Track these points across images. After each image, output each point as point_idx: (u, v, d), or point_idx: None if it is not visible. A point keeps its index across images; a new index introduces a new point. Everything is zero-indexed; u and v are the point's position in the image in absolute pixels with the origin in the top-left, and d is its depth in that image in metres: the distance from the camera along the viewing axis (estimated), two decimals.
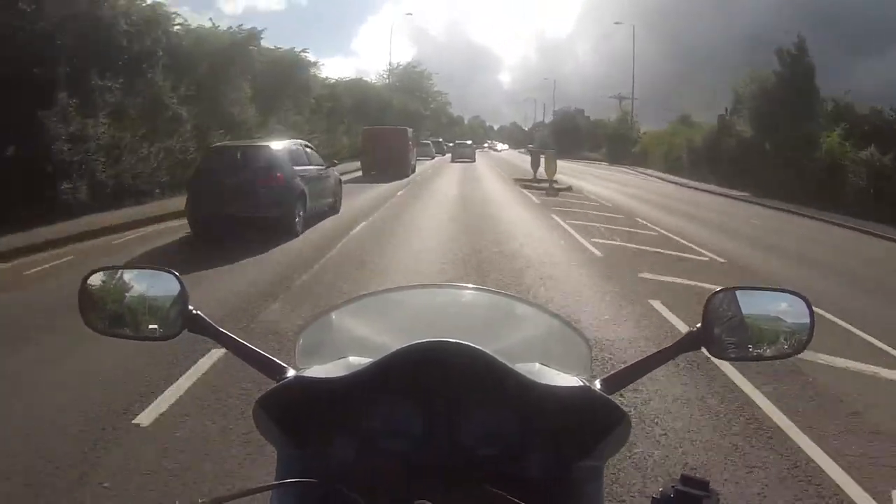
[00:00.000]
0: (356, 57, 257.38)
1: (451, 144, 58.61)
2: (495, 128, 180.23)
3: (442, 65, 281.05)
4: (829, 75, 36.98)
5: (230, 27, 24.25)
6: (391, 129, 31.64)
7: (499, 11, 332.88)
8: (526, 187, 24.35)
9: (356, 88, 46.16)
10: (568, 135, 77.07)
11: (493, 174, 34.22)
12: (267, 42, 25.50)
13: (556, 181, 24.19)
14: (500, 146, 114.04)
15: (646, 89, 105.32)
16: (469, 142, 57.01)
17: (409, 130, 31.58)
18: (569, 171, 34.11)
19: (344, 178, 17.33)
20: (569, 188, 24.42)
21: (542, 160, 26.31)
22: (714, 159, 33.18)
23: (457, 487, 0.95)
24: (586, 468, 1.04)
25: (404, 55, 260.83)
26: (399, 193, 20.60)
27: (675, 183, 33.72)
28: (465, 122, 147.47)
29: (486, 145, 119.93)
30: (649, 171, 43.75)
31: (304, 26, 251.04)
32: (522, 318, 1.43)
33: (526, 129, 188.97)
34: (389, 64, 76.09)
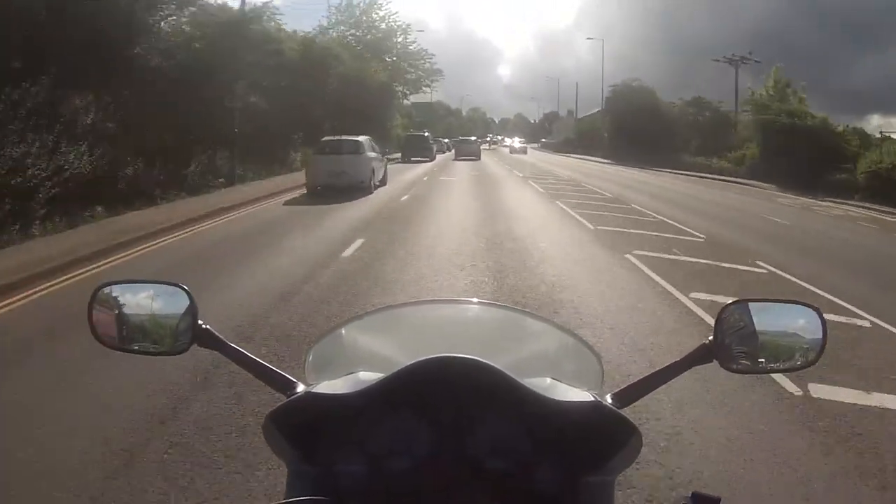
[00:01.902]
0: None
1: (446, 141, 59.55)
2: (496, 120, 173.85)
3: (440, 57, 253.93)
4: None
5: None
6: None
7: (498, 2, 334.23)
8: None
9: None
10: (639, 124, 49.16)
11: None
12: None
13: None
14: (513, 142, 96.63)
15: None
16: (473, 138, 56.85)
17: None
18: None
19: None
20: None
21: None
22: None
23: (467, 503, 0.97)
24: (596, 483, 1.03)
25: None
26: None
27: None
28: (464, 113, 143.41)
29: (488, 140, 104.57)
30: None
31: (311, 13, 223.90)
32: (533, 333, 1.48)
33: (533, 120, 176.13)
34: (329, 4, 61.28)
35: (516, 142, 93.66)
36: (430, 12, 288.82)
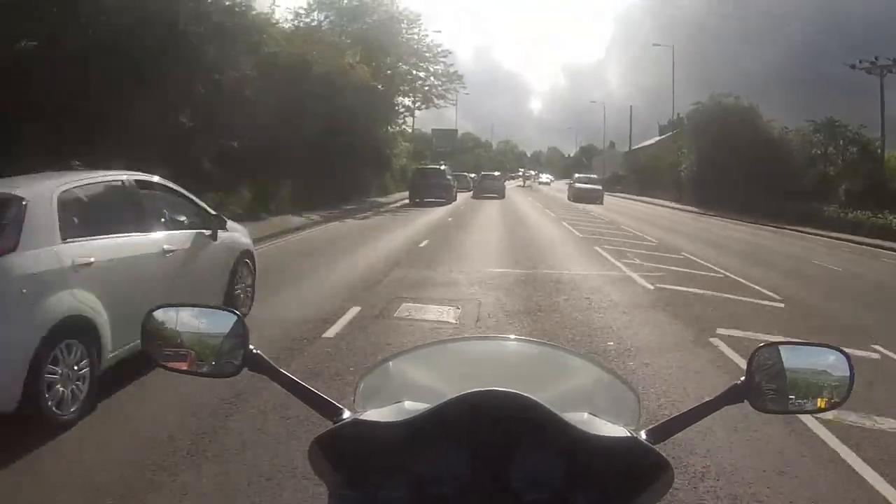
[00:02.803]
0: None
1: (472, 176, 51.87)
2: (528, 154, 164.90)
3: (472, 90, 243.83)
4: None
5: None
6: None
7: (527, 37, 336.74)
8: None
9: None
10: (739, 156, 35.96)
11: None
12: None
13: None
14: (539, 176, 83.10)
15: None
16: (496, 174, 50.67)
17: None
18: None
19: None
20: None
21: None
22: None
23: None
24: None
25: None
26: None
27: None
28: (494, 146, 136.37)
29: (521, 176, 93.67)
30: None
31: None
32: (573, 369, 1.55)
33: (568, 154, 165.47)
34: None
35: (544, 178, 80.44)
36: (458, 44, 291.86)
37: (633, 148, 70.33)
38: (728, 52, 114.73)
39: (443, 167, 37.12)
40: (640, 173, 58.59)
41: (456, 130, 73.36)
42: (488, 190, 40.78)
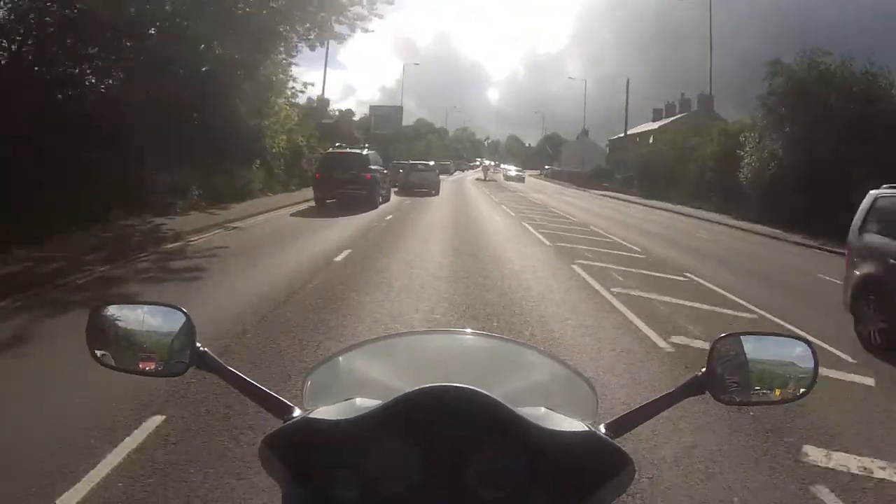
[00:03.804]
0: (343, 69, 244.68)
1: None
2: (486, 143, 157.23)
3: (428, 77, 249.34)
4: None
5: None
6: None
7: (487, 26, 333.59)
8: None
9: None
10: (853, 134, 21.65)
11: None
12: None
13: None
14: (507, 170, 69.01)
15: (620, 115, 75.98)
16: (431, 163, 38.24)
17: None
18: None
19: None
20: None
21: None
22: None
23: None
24: None
25: (391, 69, 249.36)
26: None
27: None
28: (450, 133, 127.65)
29: (477, 166, 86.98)
30: None
31: None
32: (528, 364, 1.49)
33: (529, 144, 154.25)
34: None
35: (512, 170, 66.16)
36: (418, 31, 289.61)
37: (632, 132, 55.71)
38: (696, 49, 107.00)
39: (366, 152, 24.54)
40: (646, 167, 43.91)
41: (400, 108, 57.80)
42: (417, 184, 32.92)
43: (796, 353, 1.31)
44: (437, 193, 32.24)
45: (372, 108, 53.86)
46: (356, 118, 49.89)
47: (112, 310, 1.31)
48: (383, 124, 52.47)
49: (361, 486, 1.01)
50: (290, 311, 7.24)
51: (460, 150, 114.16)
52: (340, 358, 1.45)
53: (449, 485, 1.01)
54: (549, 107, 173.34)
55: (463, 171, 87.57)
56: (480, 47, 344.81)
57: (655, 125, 57.15)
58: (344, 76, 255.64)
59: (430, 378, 1.05)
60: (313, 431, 1.06)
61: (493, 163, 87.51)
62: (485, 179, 57.11)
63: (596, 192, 47.72)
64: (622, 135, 57.95)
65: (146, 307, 1.33)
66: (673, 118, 57.53)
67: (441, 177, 36.70)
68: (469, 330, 1.81)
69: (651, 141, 51.00)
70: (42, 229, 10.80)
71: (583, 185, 55.44)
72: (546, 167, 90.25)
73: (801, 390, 1.29)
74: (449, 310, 7.74)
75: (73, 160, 12.76)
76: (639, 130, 59.57)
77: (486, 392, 1.02)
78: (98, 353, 1.29)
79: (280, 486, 1.08)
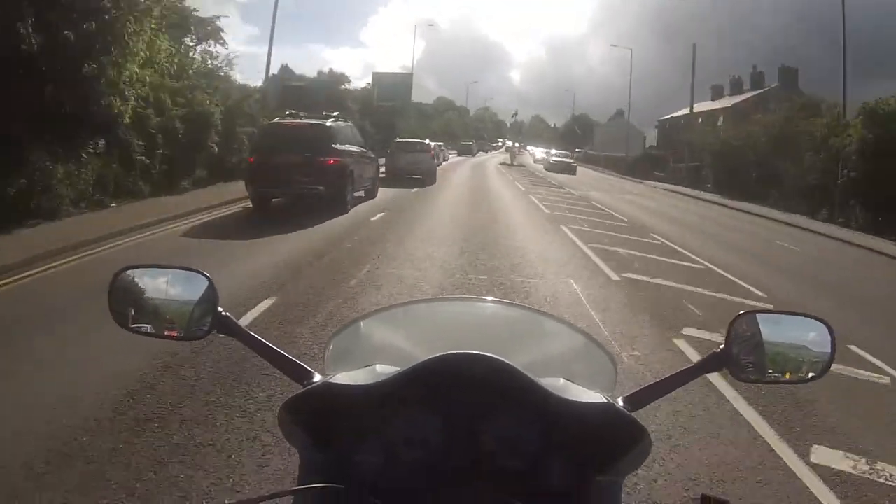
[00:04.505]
0: (364, 48, 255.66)
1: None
2: (508, 123, 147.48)
3: (449, 59, 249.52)
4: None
5: None
6: None
7: (510, 7, 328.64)
8: None
9: None
10: None
11: None
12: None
13: None
14: (547, 154, 59.28)
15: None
16: (427, 141, 29.62)
17: None
18: None
19: None
20: None
21: None
22: None
23: (480, 498, 1.03)
24: (605, 483, 1.09)
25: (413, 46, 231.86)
26: None
27: None
28: (471, 113, 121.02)
29: (499, 147, 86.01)
30: None
31: (311, 14, 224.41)
32: (549, 334, 1.54)
33: (554, 124, 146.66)
34: None
35: (553, 154, 55.47)
36: (439, 11, 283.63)
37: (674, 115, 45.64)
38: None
39: (332, 123, 15.75)
40: (723, 157, 33.67)
41: (410, 74, 48.07)
42: (406, 169, 25.75)
43: (814, 335, 1.31)
44: (432, 182, 25.66)
45: (375, 74, 44.61)
46: (350, 86, 39.95)
47: (134, 273, 1.34)
48: (389, 94, 42.89)
49: (381, 451, 1.05)
50: None
51: (481, 129, 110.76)
52: (361, 323, 1.49)
53: (467, 452, 1.04)
54: (575, 87, 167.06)
55: (486, 151, 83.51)
56: (502, 29, 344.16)
57: (717, 104, 47.04)
58: (365, 54, 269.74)
59: (450, 346, 1.07)
60: (333, 397, 1.09)
61: (517, 144, 77.38)
62: (511, 164, 47.15)
63: (654, 185, 37.71)
64: (675, 115, 47.71)
65: (169, 271, 1.35)
66: (741, 96, 47.25)
67: (460, 158, 27.19)
68: (490, 298, 1.93)
69: (720, 123, 40.81)
70: None
71: (628, 174, 45.33)
72: (577, 150, 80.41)
73: (814, 373, 1.30)
74: None
75: None
76: (698, 110, 49.32)
77: (505, 360, 1.05)
78: (120, 315, 1.34)
79: (298, 452, 1.13)
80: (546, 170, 48.51)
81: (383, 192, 19.36)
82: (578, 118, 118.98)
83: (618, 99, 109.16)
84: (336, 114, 17.10)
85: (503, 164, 49.98)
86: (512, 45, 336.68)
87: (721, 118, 44.15)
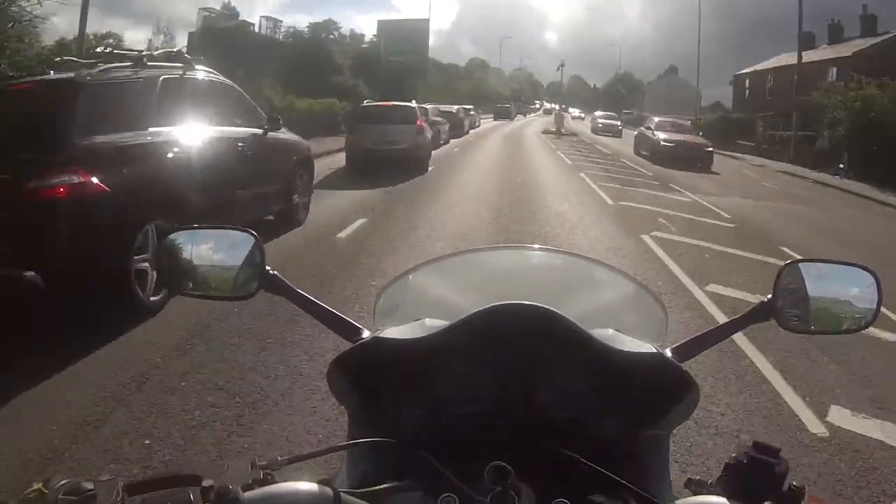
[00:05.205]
0: (396, 12, 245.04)
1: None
2: (545, 85, 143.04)
3: (483, 19, 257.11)
4: None
5: None
6: None
7: None
8: None
9: None
10: None
11: None
12: None
13: None
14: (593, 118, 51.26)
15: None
16: (412, 104, 19.51)
17: None
18: None
19: None
20: None
21: None
22: None
23: (531, 450, 1.02)
24: (653, 436, 1.12)
25: (446, 11, 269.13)
26: None
27: None
28: (507, 74, 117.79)
29: (540, 108, 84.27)
30: None
31: None
32: (600, 282, 1.53)
33: (594, 84, 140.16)
34: None
35: (599, 118, 47.99)
36: None
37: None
38: None
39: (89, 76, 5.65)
40: (872, 128, 23.39)
41: (425, 20, 38.20)
42: (379, 150, 16.37)
43: (858, 282, 1.30)
44: (423, 172, 17.49)
45: (381, 23, 35.34)
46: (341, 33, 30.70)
47: (182, 235, 1.38)
48: (399, 47, 33.60)
49: (432, 406, 1.08)
50: None
51: (518, 91, 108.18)
52: (410, 276, 1.51)
53: (519, 404, 1.06)
54: (609, 51, 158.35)
55: (525, 115, 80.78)
56: None
57: (823, 54, 36.69)
58: (396, 17, 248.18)
59: (499, 296, 1.06)
60: (382, 351, 1.11)
61: (556, 106, 66.89)
62: (556, 133, 37.70)
63: (752, 162, 27.80)
64: (758, 68, 37.59)
65: (216, 231, 1.40)
66: (847, 42, 36.86)
67: (495, 123, 22.58)
68: (537, 246, 1.87)
69: (833, 77, 30.69)
70: None
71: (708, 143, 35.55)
72: (625, 112, 70.30)
73: (864, 319, 1.30)
74: None
75: None
76: (777, 64, 39.08)
77: (556, 310, 1.04)
78: (169, 276, 1.40)
79: (347, 409, 1.16)
80: (592, 132, 45.11)
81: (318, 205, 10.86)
82: (622, 77, 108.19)
83: (663, 58, 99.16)
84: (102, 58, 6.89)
85: (547, 132, 40.89)
86: (547, 4, 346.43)
87: (833, 70, 33.82)
